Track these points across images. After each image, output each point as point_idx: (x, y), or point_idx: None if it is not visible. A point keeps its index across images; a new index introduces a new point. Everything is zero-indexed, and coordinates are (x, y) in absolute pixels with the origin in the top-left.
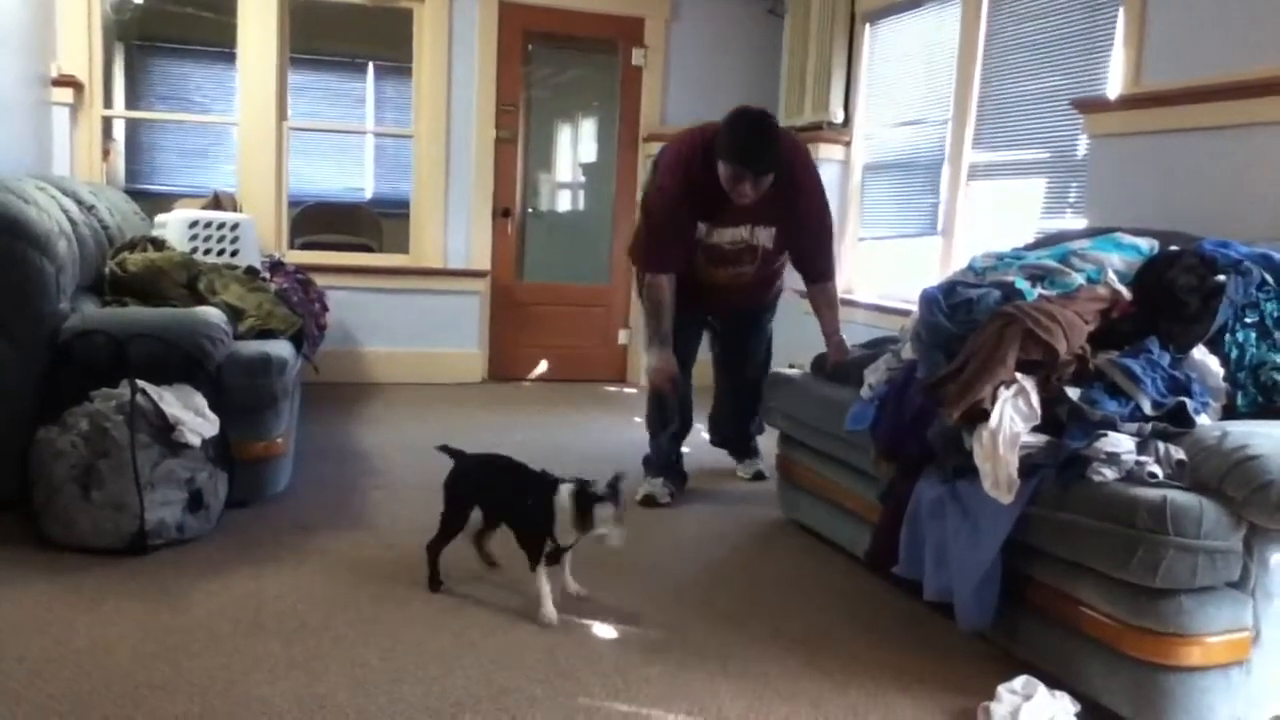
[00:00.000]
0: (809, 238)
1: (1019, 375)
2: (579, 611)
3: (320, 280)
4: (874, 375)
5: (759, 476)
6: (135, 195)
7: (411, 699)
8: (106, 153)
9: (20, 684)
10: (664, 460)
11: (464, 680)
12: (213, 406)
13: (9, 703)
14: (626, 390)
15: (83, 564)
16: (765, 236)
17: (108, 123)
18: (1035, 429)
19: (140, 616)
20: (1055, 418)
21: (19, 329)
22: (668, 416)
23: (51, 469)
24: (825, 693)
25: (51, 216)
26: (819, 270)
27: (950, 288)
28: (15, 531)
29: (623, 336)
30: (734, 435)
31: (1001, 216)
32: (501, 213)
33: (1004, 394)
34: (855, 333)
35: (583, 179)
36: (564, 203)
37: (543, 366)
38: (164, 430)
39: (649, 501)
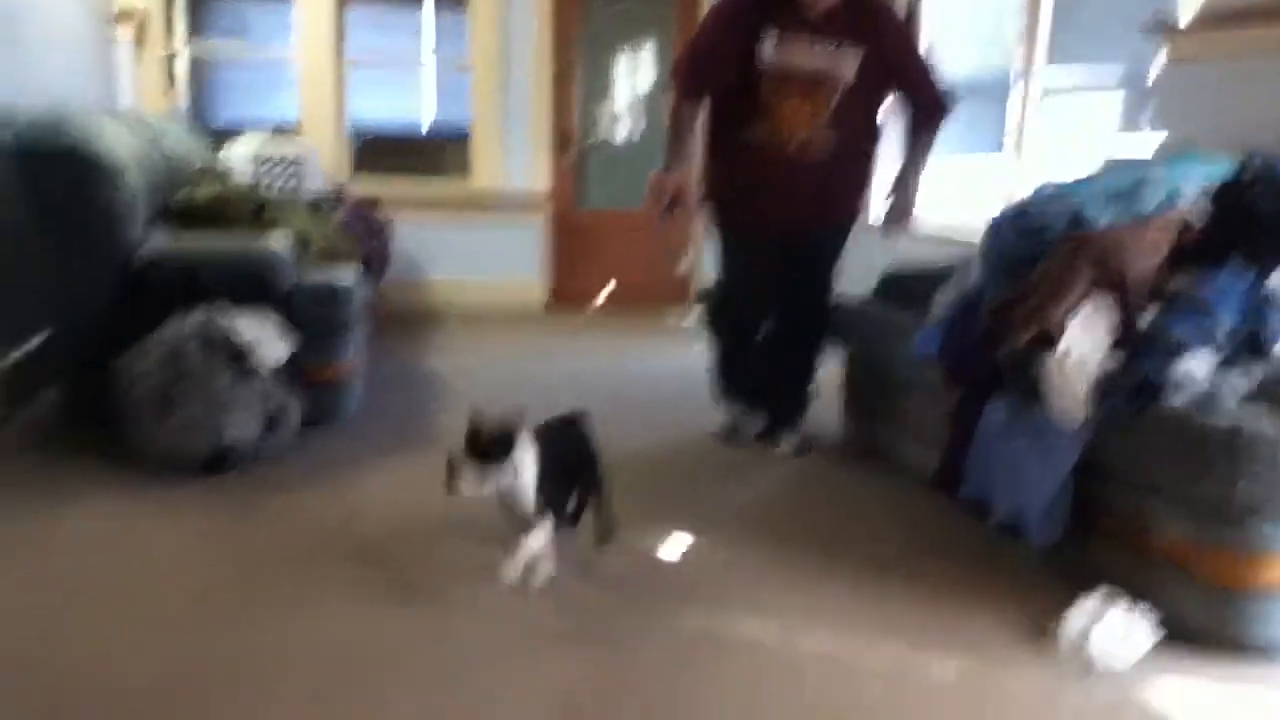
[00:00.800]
0: (906, 65)
1: (1091, 299)
2: (648, 533)
3: (383, 211)
4: (943, 298)
5: (804, 449)
6: (200, 129)
7: (467, 631)
8: (170, 88)
9: (97, 596)
10: (740, 384)
11: (530, 600)
12: (283, 332)
13: (85, 613)
14: (687, 316)
15: (164, 483)
16: (849, 63)
17: (170, 58)
18: (1107, 353)
19: (216, 534)
20: (1128, 342)
21: (96, 259)
22: (735, 340)
23: (132, 392)
24: (894, 610)
25: (123, 149)
26: (926, 98)
27: (1020, 211)
28: (102, 451)
29: (683, 263)
30: (780, 395)
31: (1074, 136)
32: (560, 141)
33: (1075, 318)
34: (922, 257)
35: (640, 107)
36: (622, 131)
37: (604, 294)
38: (238, 354)
39: (732, 434)
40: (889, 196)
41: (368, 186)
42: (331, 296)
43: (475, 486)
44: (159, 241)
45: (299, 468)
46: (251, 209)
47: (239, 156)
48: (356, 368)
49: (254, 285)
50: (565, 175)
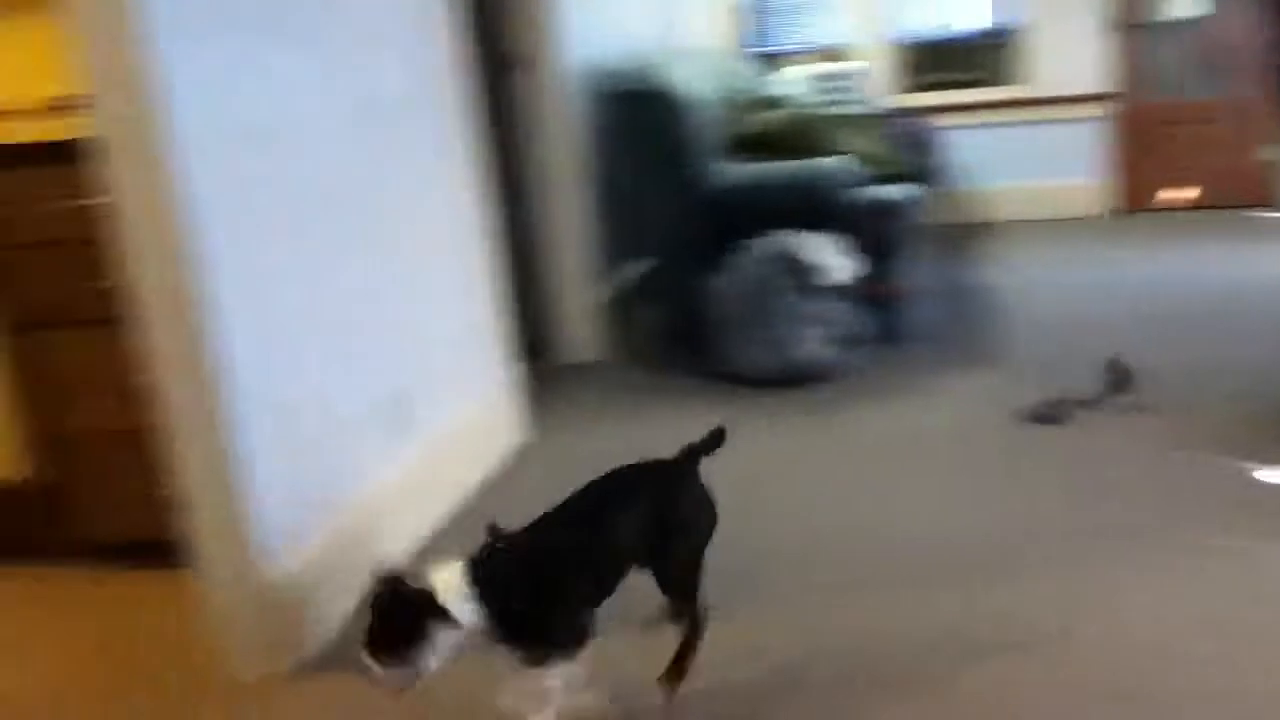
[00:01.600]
0: None
1: None
2: (1250, 453)
3: (935, 120)
4: None
5: None
6: (756, 56)
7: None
8: (728, 18)
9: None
10: None
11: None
12: (847, 251)
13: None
14: (1272, 215)
15: (749, 392)
16: None
17: None
18: None
19: (804, 436)
20: None
21: (681, 189)
22: None
23: (716, 311)
24: None
25: (695, 83)
26: None
27: None
28: (694, 364)
29: (1265, 152)
30: None
31: None
32: (1121, 26)
33: None
34: None
35: None
36: (1183, 5)
37: (1173, 193)
38: (806, 276)
39: None
40: None
41: (917, 98)
42: (891, 213)
43: (400, 679)
44: (731, 170)
45: (870, 383)
46: (812, 131)
47: (796, 78)
48: (917, 284)
49: (819, 207)
50: (1126, 64)
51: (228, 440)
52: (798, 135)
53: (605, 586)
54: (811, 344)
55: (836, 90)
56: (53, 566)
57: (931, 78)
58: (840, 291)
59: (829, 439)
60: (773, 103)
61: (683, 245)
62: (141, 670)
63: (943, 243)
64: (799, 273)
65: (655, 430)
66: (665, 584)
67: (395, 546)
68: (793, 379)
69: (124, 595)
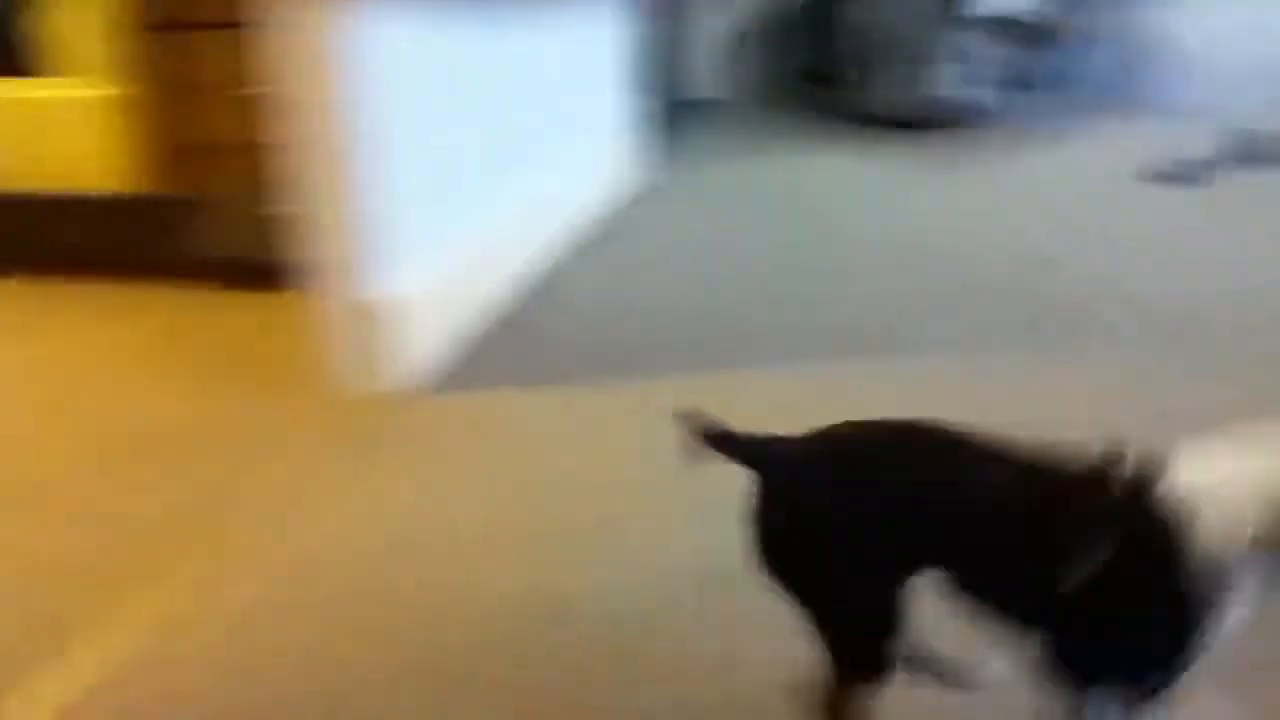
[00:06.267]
0: None
1: None
2: None
3: None
4: None
5: None
6: None
7: None
8: None
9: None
10: None
11: None
12: None
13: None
14: None
15: (876, 136)
16: None
17: None
18: None
19: (923, 187)
20: None
21: None
22: None
23: (855, 45)
24: None
25: None
26: None
27: None
28: (829, 104)
29: None
30: None
31: None
32: None
33: None
34: None
35: None
36: None
37: None
38: (956, 3)
39: None
40: None
41: None
42: None
43: None
44: None
45: (1013, 128)
46: None
47: None
48: (1093, 24)
49: None
50: None
51: (354, 155)
52: None
53: None
54: (957, 85)
55: None
56: (154, 283)
57: None
58: (1001, 25)
59: (952, 190)
60: None
61: None
62: (250, 383)
63: None
64: (945, 2)
65: (781, 172)
66: None
67: (516, 272)
68: (929, 121)
69: (231, 313)
